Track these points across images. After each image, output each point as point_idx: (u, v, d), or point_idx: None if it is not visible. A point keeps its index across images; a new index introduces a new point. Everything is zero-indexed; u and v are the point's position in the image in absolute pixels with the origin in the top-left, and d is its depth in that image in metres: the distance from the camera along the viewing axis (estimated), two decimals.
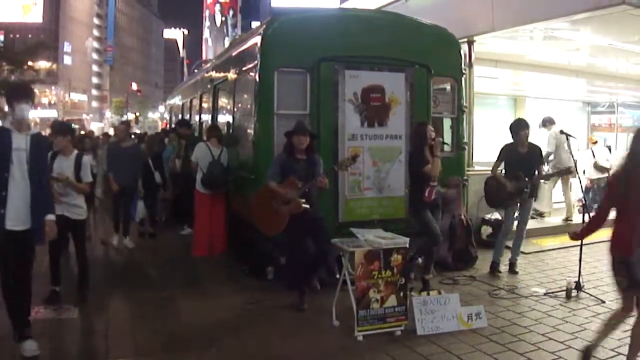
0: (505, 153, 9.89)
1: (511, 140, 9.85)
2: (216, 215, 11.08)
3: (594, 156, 15.88)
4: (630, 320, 5.85)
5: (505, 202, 9.84)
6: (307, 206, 7.87)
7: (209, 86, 13.52)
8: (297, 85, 9.32)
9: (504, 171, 9.87)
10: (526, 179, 9.52)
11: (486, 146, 17.93)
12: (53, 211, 6.50)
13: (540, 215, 14.09)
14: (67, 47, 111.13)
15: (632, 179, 5.54)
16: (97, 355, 6.38)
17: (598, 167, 15.68)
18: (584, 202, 9.43)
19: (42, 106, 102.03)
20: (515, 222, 10.02)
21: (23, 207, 6.10)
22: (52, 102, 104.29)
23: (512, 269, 9.94)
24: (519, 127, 9.81)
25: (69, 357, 6.53)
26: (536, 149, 9.89)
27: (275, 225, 8.02)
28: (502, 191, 9.62)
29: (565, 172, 9.52)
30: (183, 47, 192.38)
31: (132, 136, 16.96)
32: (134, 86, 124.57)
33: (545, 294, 8.76)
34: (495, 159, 10.00)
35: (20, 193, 6.08)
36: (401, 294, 7.14)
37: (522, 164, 9.63)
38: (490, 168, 9.98)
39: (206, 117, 14.22)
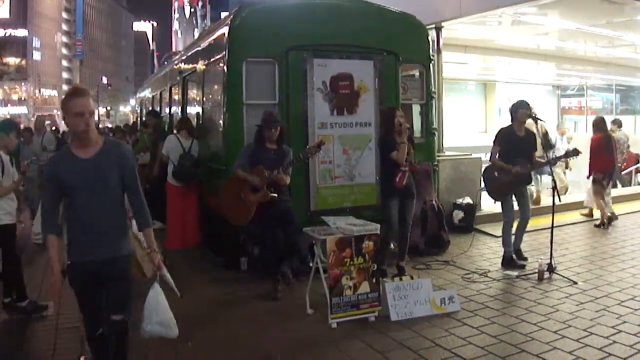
0: (502, 137, 9.50)
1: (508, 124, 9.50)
2: (189, 207, 11.03)
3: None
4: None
5: (509, 192, 9.42)
6: (275, 195, 7.87)
7: (178, 78, 13.43)
8: (266, 75, 9.29)
9: (497, 156, 9.41)
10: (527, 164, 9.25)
11: (456, 131, 18.07)
12: None
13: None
14: (35, 42, 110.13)
15: None
16: (69, 351, 6.32)
17: None
18: (553, 185, 9.44)
19: (12, 103, 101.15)
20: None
21: None
22: (23, 98, 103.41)
23: (521, 256, 9.61)
24: (518, 106, 9.41)
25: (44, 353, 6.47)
26: (532, 134, 9.51)
27: (243, 215, 8.00)
28: (507, 180, 9.24)
29: (573, 154, 9.37)
30: (153, 40, 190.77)
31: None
32: (105, 80, 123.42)
33: (517, 277, 8.83)
34: (493, 144, 9.56)
35: None
36: (374, 280, 7.17)
37: (521, 149, 9.29)
38: (463, 153, 9.88)
39: (176, 109, 14.14)
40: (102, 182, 4.70)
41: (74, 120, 4.62)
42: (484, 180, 9.83)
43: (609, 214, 12.54)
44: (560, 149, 15.52)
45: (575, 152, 9.18)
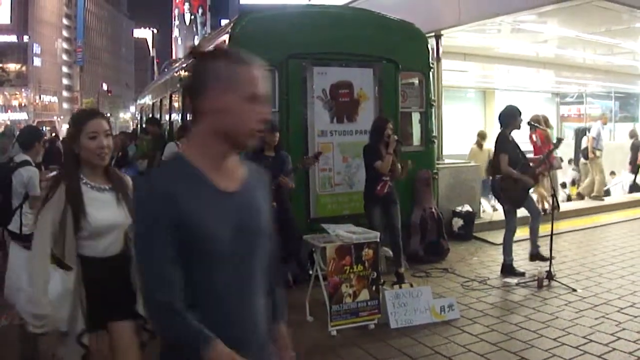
0: (509, 144, 9.17)
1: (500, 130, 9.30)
2: None
3: None
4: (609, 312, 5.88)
5: (525, 198, 9.22)
6: (274, 204, 7.85)
7: (178, 85, 13.46)
8: (266, 83, 9.29)
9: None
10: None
11: (456, 139, 18.09)
12: None
13: None
14: (36, 48, 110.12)
15: None
16: None
17: None
18: (552, 192, 9.51)
19: (13, 109, 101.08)
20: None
21: None
22: (23, 104, 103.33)
23: (543, 258, 9.30)
24: (518, 113, 9.21)
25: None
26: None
27: None
28: (524, 186, 9.06)
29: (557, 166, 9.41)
30: (153, 46, 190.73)
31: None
32: (105, 86, 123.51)
33: (517, 284, 8.82)
34: (500, 153, 9.10)
35: None
36: (373, 287, 7.17)
37: (520, 154, 9.25)
38: (463, 161, 9.83)
39: (176, 116, 14.16)
40: (260, 239, 2.46)
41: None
42: (500, 191, 9.28)
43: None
44: (603, 138, 15.97)
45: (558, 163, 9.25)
